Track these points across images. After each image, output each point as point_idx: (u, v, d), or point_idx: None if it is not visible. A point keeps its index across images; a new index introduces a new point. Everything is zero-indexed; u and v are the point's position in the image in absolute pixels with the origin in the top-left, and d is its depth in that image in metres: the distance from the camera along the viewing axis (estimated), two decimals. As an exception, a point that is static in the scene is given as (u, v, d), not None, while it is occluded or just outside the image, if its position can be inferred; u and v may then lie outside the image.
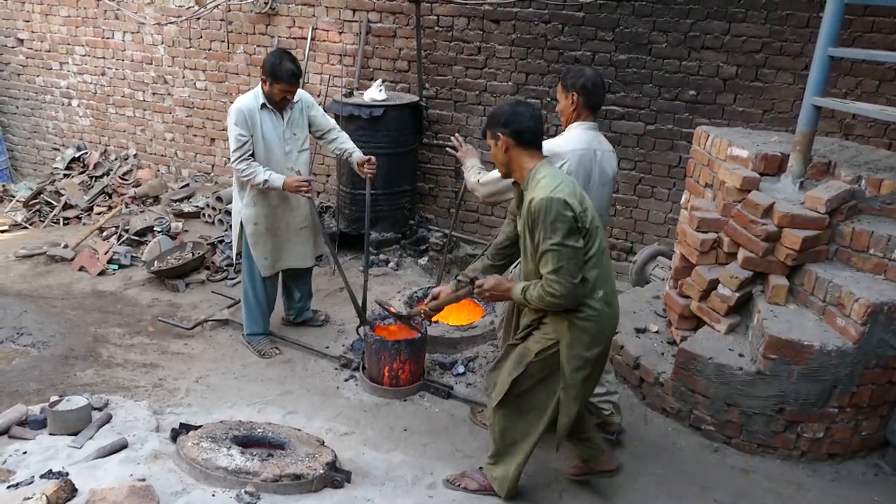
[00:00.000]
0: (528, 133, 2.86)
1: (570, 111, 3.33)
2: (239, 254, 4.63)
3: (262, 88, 4.20)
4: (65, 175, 8.09)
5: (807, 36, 5.05)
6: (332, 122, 4.60)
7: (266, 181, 4.17)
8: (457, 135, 3.96)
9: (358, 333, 4.63)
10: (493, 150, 2.96)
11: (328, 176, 7.09)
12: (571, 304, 2.83)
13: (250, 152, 4.21)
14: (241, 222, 4.43)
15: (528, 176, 2.87)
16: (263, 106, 4.21)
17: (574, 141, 3.25)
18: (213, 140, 7.72)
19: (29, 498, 2.51)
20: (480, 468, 3.37)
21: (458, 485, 3.35)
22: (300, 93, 4.37)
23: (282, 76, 4.09)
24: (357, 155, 4.48)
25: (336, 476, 3.09)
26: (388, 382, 4.25)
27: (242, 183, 4.34)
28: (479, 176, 3.52)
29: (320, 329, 5.00)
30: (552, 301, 2.79)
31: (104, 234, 6.59)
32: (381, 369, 4.23)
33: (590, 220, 2.81)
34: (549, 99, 5.92)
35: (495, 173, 3.30)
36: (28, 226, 7.26)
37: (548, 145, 3.17)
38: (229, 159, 4.37)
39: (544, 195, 2.73)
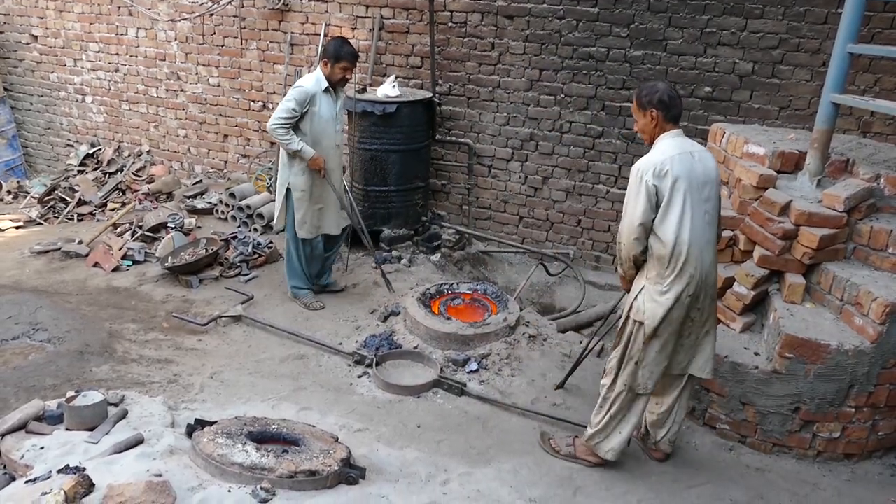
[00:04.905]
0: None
1: (651, 128, 3.23)
2: (281, 223, 5.17)
3: (323, 71, 4.78)
4: (79, 171, 8.14)
5: (825, 32, 5.00)
6: None
7: (298, 150, 4.76)
8: None
9: None
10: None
11: (342, 173, 7.07)
12: None
13: (291, 125, 4.75)
14: (289, 189, 4.97)
15: None
16: (326, 90, 4.79)
17: (669, 149, 3.15)
18: (225, 136, 7.73)
19: (47, 493, 2.53)
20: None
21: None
22: None
23: (344, 56, 4.74)
24: None
25: (351, 472, 3.09)
26: None
27: (292, 155, 4.87)
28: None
29: (334, 325, 5.02)
30: None
31: (118, 230, 6.62)
32: None
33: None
34: (561, 95, 5.92)
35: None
36: (42, 222, 7.31)
37: (646, 161, 3.13)
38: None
39: None
